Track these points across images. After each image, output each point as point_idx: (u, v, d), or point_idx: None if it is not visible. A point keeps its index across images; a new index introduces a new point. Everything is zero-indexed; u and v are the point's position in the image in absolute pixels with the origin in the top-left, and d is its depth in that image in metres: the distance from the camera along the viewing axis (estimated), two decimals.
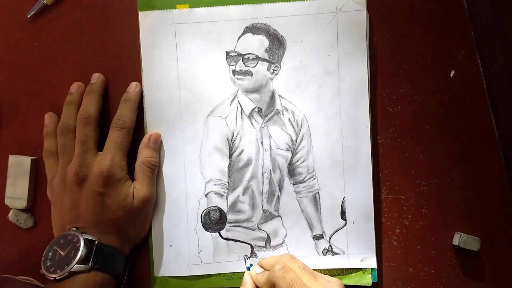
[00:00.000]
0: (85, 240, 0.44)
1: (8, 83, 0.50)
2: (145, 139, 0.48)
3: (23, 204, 0.50)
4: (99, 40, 0.50)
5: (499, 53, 0.48)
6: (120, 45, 0.50)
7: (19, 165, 0.50)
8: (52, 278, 0.43)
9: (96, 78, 0.49)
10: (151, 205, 0.49)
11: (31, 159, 0.50)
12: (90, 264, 0.44)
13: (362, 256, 0.49)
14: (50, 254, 0.45)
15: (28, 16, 0.50)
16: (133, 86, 0.49)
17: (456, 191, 0.50)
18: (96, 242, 0.44)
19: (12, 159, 0.50)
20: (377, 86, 0.49)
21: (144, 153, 0.48)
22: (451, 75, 0.49)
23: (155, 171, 0.49)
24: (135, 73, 0.49)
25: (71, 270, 0.43)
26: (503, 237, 0.50)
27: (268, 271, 0.44)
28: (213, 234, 0.49)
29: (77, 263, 0.43)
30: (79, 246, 0.43)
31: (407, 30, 0.49)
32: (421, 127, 0.50)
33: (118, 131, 0.47)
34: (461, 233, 0.49)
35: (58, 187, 0.47)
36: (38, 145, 0.50)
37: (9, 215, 0.50)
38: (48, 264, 0.44)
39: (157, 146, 0.49)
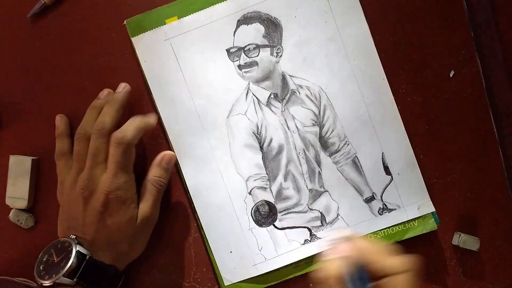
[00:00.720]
0: (78, 253, 0.44)
1: (9, 83, 0.50)
2: (158, 158, 0.48)
3: (23, 204, 0.50)
4: (100, 40, 0.50)
5: (499, 53, 0.49)
6: (121, 45, 0.49)
7: (19, 165, 0.49)
8: (39, 283, 0.43)
9: (122, 88, 0.48)
10: (153, 226, 0.48)
11: (32, 159, 0.49)
12: (75, 280, 0.43)
13: (418, 204, 0.49)
14: (45, 257, 0.45)
15: (28, 16, 0.49)
16: (150, 115, 0.48)
17: (455, 191, 0.50)
18: (88, 257, 0.44)
19: (13, 159, 0.50)
20: None
21: (154, 172, 0.48)
22: (451, 76, 0.49)
23: (162, 192, 0.48)
24: (136, 73, 0.49)
25: (55, 281, 0.43)
26: (502, 237, 0.50)
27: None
28: (268, 228, 0.49)
29: (64, 275, 0.43)
30: (70, 257, 0.43)
31: (407, 30, 0.49)
32: (421, 127, 0.50)
33: (116, 147, 0.45)
34: (460, 233, 0.49)
35: (68, 192, 0.46)
36: (38, 145, 0.50)
37: (10, 215, 0.50)
38: (41, 268, 0.44)
39: (169, 167, 0.48)
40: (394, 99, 0.49)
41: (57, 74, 0.50)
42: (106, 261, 0.45)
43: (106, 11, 0.50)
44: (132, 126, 0.46)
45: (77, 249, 0.44)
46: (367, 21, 0.48)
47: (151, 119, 0.47)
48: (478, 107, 0.50)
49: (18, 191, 0.49)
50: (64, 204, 0.47)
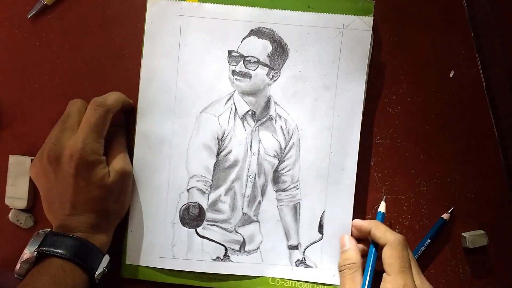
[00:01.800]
0: (44, 233, 0.44)
1: (8, 83, 0.50)
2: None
3: (23, 204, 0.50)
4: (99, 40, 0.50)
5: (499, 53, 0.49)
6: (120, 45, 0.50)
7: (19, 165, 0.49)
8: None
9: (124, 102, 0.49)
10: (130, 178, 0.48)
11: (31, 159, 0.49)
12: (35, 251, 0.42)
13: (334, 272, 0.49)
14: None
15: (29, 16, 0.49)
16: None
17: (455, 191, 0.51)
18: (48, 230, 0.44)
19: (12, 159, 0.49)
20: (377, 86, 0.50)
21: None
22: (451, 75, 0.50)
23: (124, 142, 0.49)
24: (135, 73, 0.49)
25: (22, 260, 0.43)
26: (503, 237, 0.51)
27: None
28: (189, 230, 0.49)
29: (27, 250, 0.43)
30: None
31: (407, 30, 0.50)
32: (421, 127, 0.50)
33: (94, 109, 0.45)
34: (465, 234, 0.50)
35: (36, 163, 0.46)
36: (38, 145, 0.49)
37: (9, 215, 0.50)
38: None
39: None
40: (394, 98, 0.50)
41: (57, 74, 0.50)
42: (94, 222, 0.45)
43: (105, 11, 0.50)
44: (114, 95, 0.47)
45: (40, 231, 0.44)
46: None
47: (131, 100, 0.49)
48: (478, 107, 0.50)
49: (17, 191, 0.49)
50: (37, 180, 0.46)
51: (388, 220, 0.50)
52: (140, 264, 0.49)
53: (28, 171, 0.49)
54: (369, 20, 0.48)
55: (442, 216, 0.50)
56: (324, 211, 0.49)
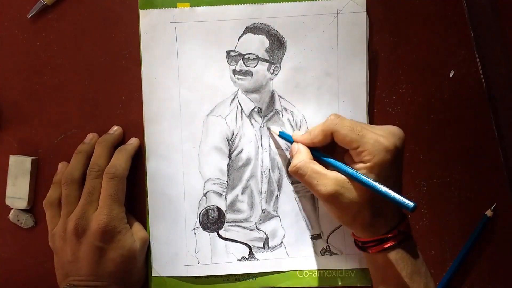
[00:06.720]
0: None
1: (9, 83, 0.50)
2: None
3: (23, 204, 0.49)
4: (100, 40, 0.50)
5: (499, 53, 0.49)
6: (120, 45, 0.50)
7: (19, 165, 0.49)
8: None
9: (114, 130, 0.49)
10: (147, 247, 0.49)
11: (32, 159, 0.49)
12: None
13: (360, 256, 0.49)
14: None
15: (29, 16, 0.49)
16: (133, 140, 0.49)
17: (455, 191, 0.51)
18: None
19: (13, 159, 0.49)
20: (377, 86, 0.50)
21: None
22: (451, 75, 0.50)
23: None
24: (135, 73, 0.49)
25: None
26: (502, 237, 0.51)
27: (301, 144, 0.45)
28: (211, 234, 0.49)
29: None
30: None
31: (407, 30, 0.50)
32: (421, 127, 0.50)
33: (110, 181, 0.46)
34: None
35: (59, 237, 0.46)
36: (38, 145, 0.50)
37: (10, 215, 0.50)
38: None
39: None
40: (394, 98, 0.50)
41: (57, 74, 0.50)
42: None
43: (106, 10, 0.50)
44: (122, 159, 0.47)
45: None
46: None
47: (134, 143, 0.49)
48: (478, 107, 0.50)
49: (18, 191, 0.49)
50: (57, 251, 0.47)
51: None
52: (166, 275, 0.49)
53: (28, 171, 0.49)
54: (362, 1, 0.48)
55: (485, 213, 0.50)
56: None
